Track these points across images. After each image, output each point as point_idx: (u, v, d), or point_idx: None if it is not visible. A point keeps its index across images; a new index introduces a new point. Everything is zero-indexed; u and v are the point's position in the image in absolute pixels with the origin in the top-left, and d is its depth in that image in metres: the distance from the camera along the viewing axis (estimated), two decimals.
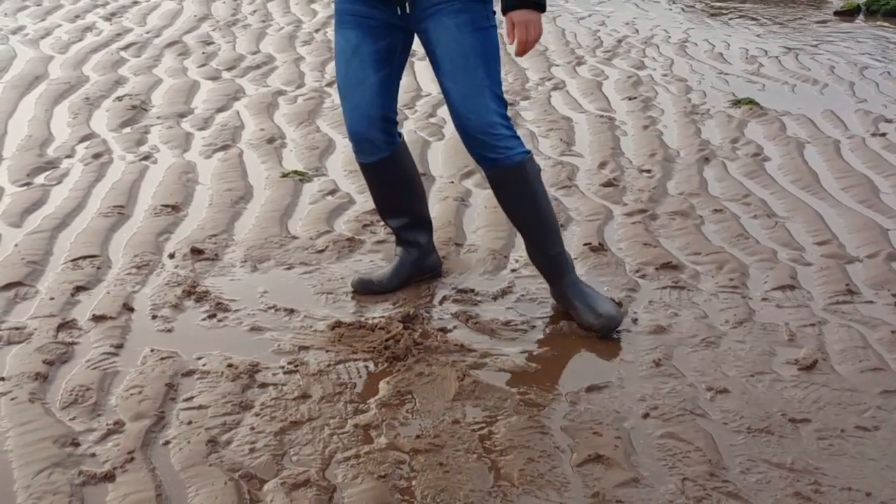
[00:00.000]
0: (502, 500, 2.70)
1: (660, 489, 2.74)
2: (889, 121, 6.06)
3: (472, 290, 3.83)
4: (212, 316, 3.61)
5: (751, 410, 3.12)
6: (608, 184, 4.94)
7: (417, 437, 2.95)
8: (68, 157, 5.07)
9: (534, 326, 3.60)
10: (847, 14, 9.19)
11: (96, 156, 5.08)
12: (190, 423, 2.99)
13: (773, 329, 3.61)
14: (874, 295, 3.86)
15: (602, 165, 5.21)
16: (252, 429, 2.97)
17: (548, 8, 3.65)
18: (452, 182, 4.93)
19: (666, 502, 2.69)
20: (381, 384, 3.22)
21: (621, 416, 3.08)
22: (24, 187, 4.67)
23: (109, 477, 2.75)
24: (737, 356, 3.43)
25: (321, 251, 4.04)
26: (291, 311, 3.65)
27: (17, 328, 3.47)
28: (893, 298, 3.82)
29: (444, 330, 3.55)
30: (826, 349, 3.48)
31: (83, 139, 5.32)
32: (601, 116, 6.04)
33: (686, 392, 3.21)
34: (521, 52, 3.34)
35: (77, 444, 2.88)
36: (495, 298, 3.79)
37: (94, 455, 2.84)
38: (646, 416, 3.08)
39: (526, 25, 3.30)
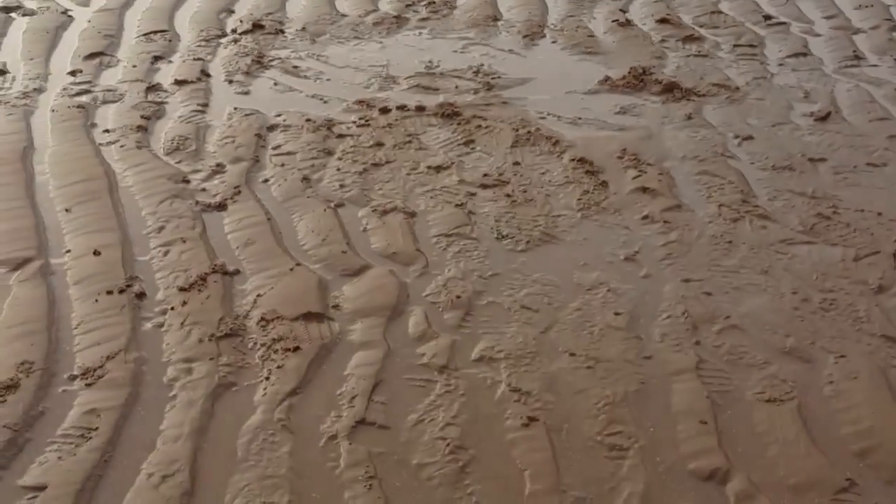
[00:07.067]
0: (568, 226, 3.13)
1: (700, 213, 3.18)
2: None
3: (510, 50, 4.19)
4: (281, 81, 3.96)
5: (774, 153, 3.53)
6: None
7: (485, 175, 3.36)
8: None
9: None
10: None
11: None
12: (283, 165, 3.39)
13: (789, 88, 4.00)
14: (878, 59, 4.25)
15: None
16: (338, 170, 3.37)
17: None
18: None
19: (706, 223, 3.13)
20: (445, 133, 3.61)
21: (662, 157, 3.49)
22: None
23: (222, 206, 3.15)
24: (759, 110, 3.83)
25: (374, 24, 4.36)
26: (356, 72, 4.00)
27: (109, 90, 3.82)
28: (895, 62, 4.22)
29: (489, 87, 3.93)
30: (838, 104, 3.89)
31: None
32: None
33: (716, 139, 3.62)
34: None
35: (188, 182, 3.28)
36: (527, 58, 4.16)
37: (204, 189, 3.24)
38: (683, 157, 3.50)
39: None
